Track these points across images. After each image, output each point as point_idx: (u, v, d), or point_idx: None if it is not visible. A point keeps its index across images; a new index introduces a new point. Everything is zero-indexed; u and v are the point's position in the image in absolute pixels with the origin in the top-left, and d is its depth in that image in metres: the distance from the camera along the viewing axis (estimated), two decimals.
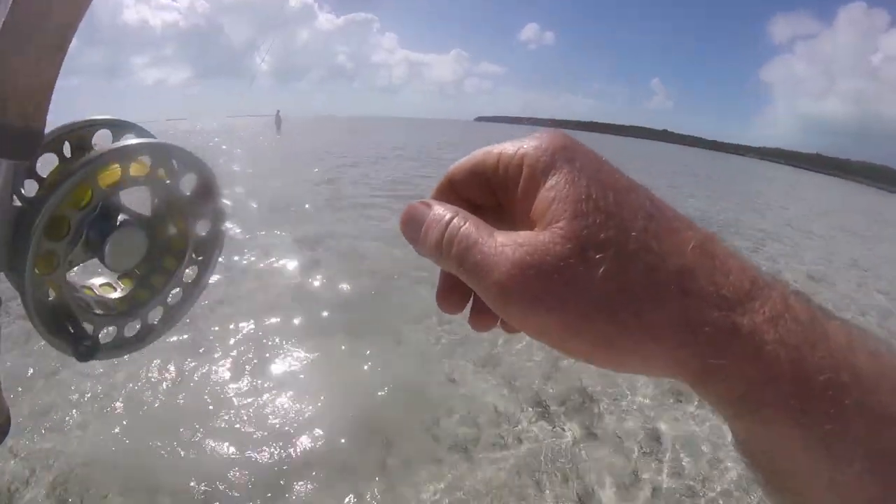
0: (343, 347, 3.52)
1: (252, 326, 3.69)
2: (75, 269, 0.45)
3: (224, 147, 18.22)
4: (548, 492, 2.39)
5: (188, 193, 0.47)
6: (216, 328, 3.62)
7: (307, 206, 7.92)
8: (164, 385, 2.98)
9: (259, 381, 3.06)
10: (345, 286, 4.59)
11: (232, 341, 3.49)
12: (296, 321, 3.85)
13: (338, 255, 5.51)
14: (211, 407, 2.80)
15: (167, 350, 3.17)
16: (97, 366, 2.86)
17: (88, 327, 0.44)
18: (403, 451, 2.54)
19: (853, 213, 21.09)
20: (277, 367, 3.25)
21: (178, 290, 0.50)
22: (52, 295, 0.41)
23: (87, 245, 0.42)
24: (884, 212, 24.80)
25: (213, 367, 3.17)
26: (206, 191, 0.48)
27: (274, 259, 5.16)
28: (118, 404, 2.79)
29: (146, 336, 0.49)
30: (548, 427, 2.84)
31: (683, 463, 2.67)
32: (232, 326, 3.66)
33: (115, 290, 0.49)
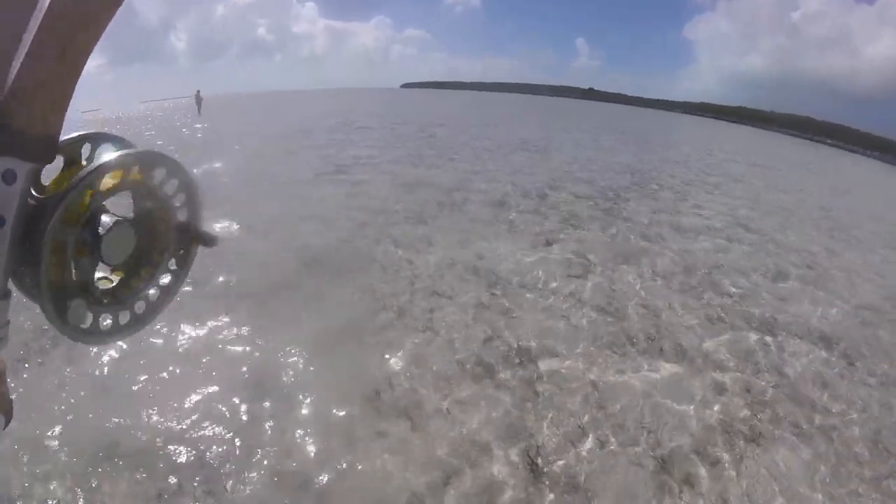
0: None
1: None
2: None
3: (152, 133, 16.64)
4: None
5: (173, 199, 0.51)
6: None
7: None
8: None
9: None
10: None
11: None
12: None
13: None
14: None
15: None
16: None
17: (103, 317, 0.48)
18: None
19: (778, 160, 21.51)
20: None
21: (166, 276, 0.55)
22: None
23: (84, 246, 0.44)
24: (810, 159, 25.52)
25: None
26: (188, 195, 0.52)
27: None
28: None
29: (141, 320, 0.53)
30: None
31: None
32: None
33: (112, 281, 0.52)
